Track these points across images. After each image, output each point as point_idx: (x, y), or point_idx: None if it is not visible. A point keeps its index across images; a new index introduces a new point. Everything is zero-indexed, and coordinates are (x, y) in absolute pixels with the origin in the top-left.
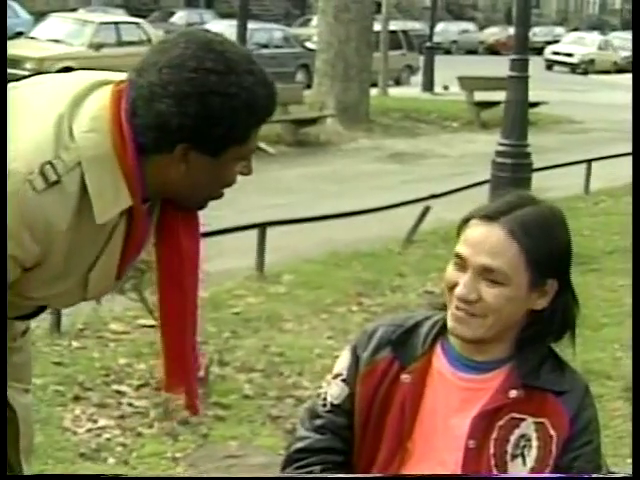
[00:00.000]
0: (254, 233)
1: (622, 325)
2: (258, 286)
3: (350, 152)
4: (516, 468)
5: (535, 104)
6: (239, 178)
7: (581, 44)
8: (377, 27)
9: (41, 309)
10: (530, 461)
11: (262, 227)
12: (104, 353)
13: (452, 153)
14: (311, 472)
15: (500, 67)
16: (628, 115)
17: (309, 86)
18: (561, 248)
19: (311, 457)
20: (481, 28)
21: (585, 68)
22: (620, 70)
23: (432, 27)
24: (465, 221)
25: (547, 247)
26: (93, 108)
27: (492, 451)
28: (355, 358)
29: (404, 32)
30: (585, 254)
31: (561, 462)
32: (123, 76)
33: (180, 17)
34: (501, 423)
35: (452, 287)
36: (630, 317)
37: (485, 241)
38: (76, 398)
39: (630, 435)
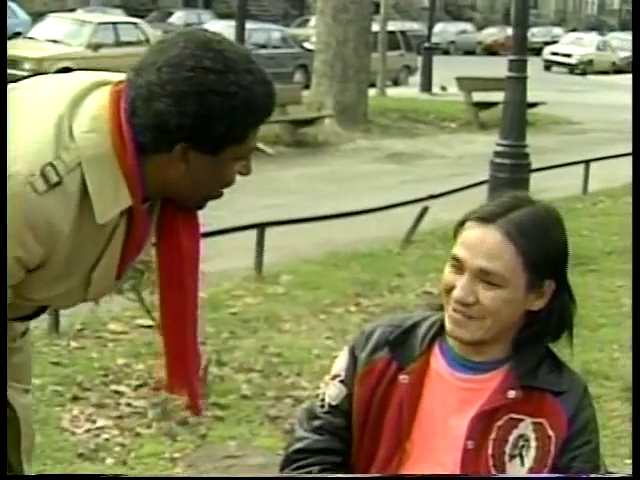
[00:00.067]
0: (253, 233)
1: (620, 326)
2: (256, 286)
3: (348, 152)
4: (514, 468)
5: (533, 105)
6: (238, 178)
7: (579, 45)
8: (375, 27)
9: (41, 310)
10: (528, 461)
11: (261, 227)
12: (102, 353)
13: (450, 154)
14: (310, 473)
15: (498, 68)
16: (627, 115)
17: (307, 86)
18: (558, 248)
19: (309, 458)
20: (479, 29)
21: (583, 69)
22: (618, 71)
23: (430, 27)
24: (461, 223)
25: (544, 248)
26: (93, 108)
27: (490, 451)
28: (353, 359)
29: (402, 33)
30: (583, 255)
31: (559, 462)
32: (122, 76)
33: (178, 17)
34: (499, 423)
35: (449, 289)
36: (628, 318)
37: (482, 243)
38: (74, 398)
39: (628, 435)
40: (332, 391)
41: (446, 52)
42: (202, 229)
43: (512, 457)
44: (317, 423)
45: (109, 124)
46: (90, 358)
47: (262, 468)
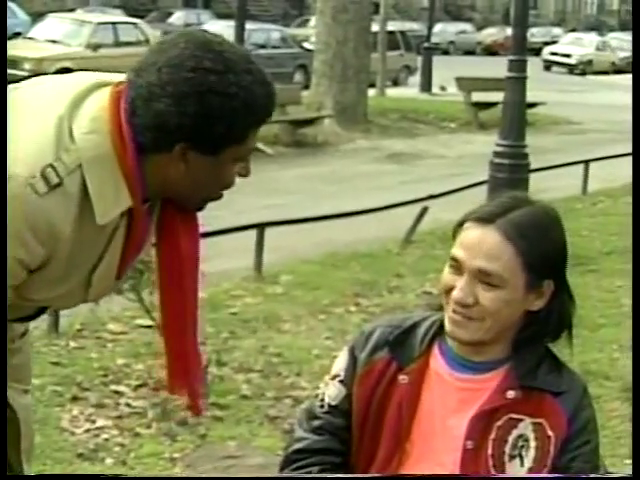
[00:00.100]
0: (252, 234)
1: (620, 326)
2: (256, 286)
3: (348, 152)
4: (514, 469)
5: (533, 105)
6: (237, 179)
7: (579, 45)
8: (375, 28)
9: (41, 311)
10: (528, 461)
11: (260, 227)
12: (102, 353)
13: (450, 154)
14: (309, 473)
15: (498, 68)
16: (626, 116)
17: (307, 87)
18: (557, 248)
19: (309, 458)
20: (479, 29)
21: (583, 69)
22: (618, 71)
23: (430, 28)
24: (460, 224)
25: (543, 248)
26: (93, 109)
27: (490, 452)
28: (353, 359)
29: (402, 33)
30: (583, 255)
31: (559, 462)
32: (122, 77)
33: (178, 17)
34: (499, 424)
35: (448, 290)
36: (628, 318)
37: (481, 244)
38: (74, 398)
39: (628, 436)
40: (332, 391)
41: (446, 52)
42: (202, 229)
43: (512, 457)
44: (317, 423)
45: (109, 125)
46: (90, 358)
47: (261, 468)
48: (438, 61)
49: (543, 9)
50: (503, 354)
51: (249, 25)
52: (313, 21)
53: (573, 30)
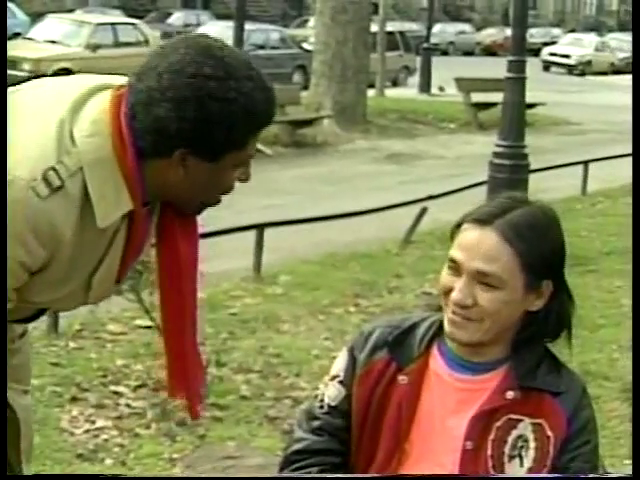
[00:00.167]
0: (251, 234)
1: (619, 326)
2: (255, 287)
3: (347, 153)
4: (513, 469)
5: (532, 105)
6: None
7: (578, 45)
8: (374, 28)
9: (41, 312)
10: (528, 462)
11: (260, 228)
12: (101, 354)
13: (449, 154)
14: (309, 474)
15: (497, 68)
16: (625, 116)
17: (306, 87)
18: (555, 248)
19: (309, 459)
20: (478, 29)
21: (582, 69)
22: (617, 71)
23: (429, 28)
24: (458, 225)
25: (541, 249)
26: (93, 112)
27: (489, 452)
28: (352, 359)
29: (401, 33)
30: (582, 255)
31: (558, 462)
32: (123, 80)
33: (177, 18)
34: (498, 424)
35: (447, 291)
36: (628, 318)
37: (479, 245)
38: (73, 399)
39: (628, 436)
40: (331, 392)
41: (445, 53)
42: (201, 230)
43: (511, 458)
44: (316, 424)
45: (110, 128)
46: (89, 359)
47: (261, 469)
48: (437, 61)
49: (542, 10)
50: (502, 354)
51: (248, 26)
52: (312, 21)
53: (572, 31)
